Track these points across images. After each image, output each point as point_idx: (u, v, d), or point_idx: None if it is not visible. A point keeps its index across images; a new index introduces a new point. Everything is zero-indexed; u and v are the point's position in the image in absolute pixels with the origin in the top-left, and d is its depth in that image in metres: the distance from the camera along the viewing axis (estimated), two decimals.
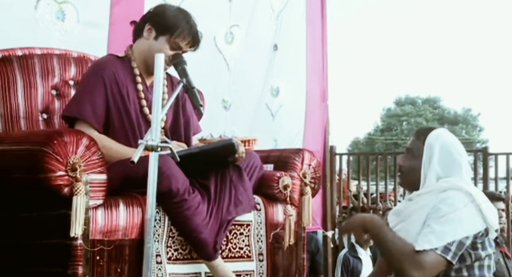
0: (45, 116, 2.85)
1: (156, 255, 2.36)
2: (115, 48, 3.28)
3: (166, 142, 2.11)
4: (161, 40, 2.66)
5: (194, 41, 2.70)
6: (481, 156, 6.07)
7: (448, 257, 2.15)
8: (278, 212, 2.80)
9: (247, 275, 2.63)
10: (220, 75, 4.31)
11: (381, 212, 5.99)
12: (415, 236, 2.22)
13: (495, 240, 2.79)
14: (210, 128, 3.25)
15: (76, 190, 2.15)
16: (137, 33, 2.73)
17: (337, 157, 6.05)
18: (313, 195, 2.96)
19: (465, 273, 2.22)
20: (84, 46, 3.18)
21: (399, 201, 5.09)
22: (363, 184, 6.81)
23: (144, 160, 2.03)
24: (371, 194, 6.63)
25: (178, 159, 2.16)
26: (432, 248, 2.14)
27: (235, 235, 2.61)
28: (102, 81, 2.60)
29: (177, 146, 2.52)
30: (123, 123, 2.60)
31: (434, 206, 2.23)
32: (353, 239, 5.23)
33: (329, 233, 5.29)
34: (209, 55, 4.15)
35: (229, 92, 4.37)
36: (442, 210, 2.20)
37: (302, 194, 2.91)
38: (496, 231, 2.28)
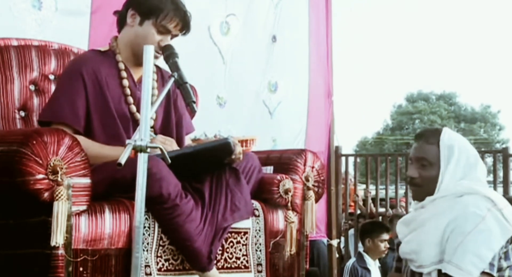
0: (22, 113, 2.85)
1: (145, 266, 2.36)
2: (97, 39, 3.29)
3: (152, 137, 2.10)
4: (146, 25, 2.66)
5: (184, 23, 2.70)
6: (501, 157, 6.08)
7: (494, 273, 2.19)
8: (279, 218, 2.80)
9: None
10: (214, 69, 4.31)
11: (388, 219, 6.00)
12: (432, 245, 2.22)
13: None
14: (204, 126, 3.26)
15: (57, 195, 2.14)
16: (121, 22, 2.74)
17: (343, 158, 6.06)
18: (316, 200, 2.97)
19: None
20: (63, 37, 3.18)
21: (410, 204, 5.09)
22: (372, 188, 6.81)
23: (132, 162, 2.03)
24: (380, 199, 6.64)
25: (169, 161, 2.16)
26: (480, 270, 2.17)
27: (231, 244, 2.62)
28: (81, 79, 2.60)
29: (164, 140, 2.52)
30: (106, 124, 2.60)
31: (455, 218, 2.23)
32: (360, 248, 5.25)
33: (334, 242, 5.30)
34: (203, 47, 4.17)
35: (224, 88, 4.38)
36: (468, 223, 2.21)
37: (304, 199, 2.92)
38: None
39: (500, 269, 2.25)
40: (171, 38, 2.69)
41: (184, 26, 2.71)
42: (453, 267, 2.19)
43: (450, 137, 2.36)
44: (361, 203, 6.75)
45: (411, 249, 2.33)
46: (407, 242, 2.38)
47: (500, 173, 6.14)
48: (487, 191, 2.29)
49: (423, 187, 2.37)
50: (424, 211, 2.35)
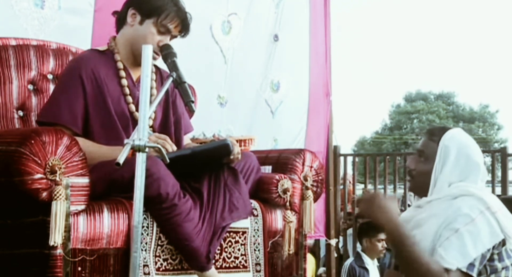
0: (21, 113, 2.83)
1: (144, 266, 2.35)
2: (101, 38, 3.26)
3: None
4: (147, 24, 2.65)
5: (184, 24, 2.69)
6: (500, 157, 6.08)
7: (474, 274, 2.17)
8: (277, 218, 2.79)
9: None
10: (216, 68, 4.30)
11: None
12: (426, 247, 2.21)
13: None
14: (204, 126, 3.25)
15: (55, 195, 2.13)
16: (121, 21, 2.72)
17: (342, 158, 6.05)
18: (315, 200, 2.96)
19: None
20: (66, 36, 3.17)
21: (409, 205, 5.09)
22: (370, 187, 6.80)
23: (130, 161, 2.02)
24: None
25: (168, 161, 2.14)
26: (459, 267, 2.16)
27: (230, 244, 2.60)
28: (80, 80, 2.58)
29: (156, 139, 2.50)
30: (105, 124, 2.58)
31: (447, 217, 2.22)
32: (359, 248, 5.24)
33: (333, 242, 5.29)
34: (204, 46, 4.15)
35: (225, 87, 4.36)
36: (458, 222, 2.20)
37: (303, 198, 2.91)
38: None
39: (495, 271, 2.23)
40: (170, 39, 2.67)
41: (184, 27, 2.70)
42: (437, 256, 2.19)
43: (452, 138, 2.35)
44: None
45: None
46: None
47: (499, 173, 6.13)
48: (482, 193, 2.28)
49: (416, 180, 2.39)
50: (421, 211, 2.35)
